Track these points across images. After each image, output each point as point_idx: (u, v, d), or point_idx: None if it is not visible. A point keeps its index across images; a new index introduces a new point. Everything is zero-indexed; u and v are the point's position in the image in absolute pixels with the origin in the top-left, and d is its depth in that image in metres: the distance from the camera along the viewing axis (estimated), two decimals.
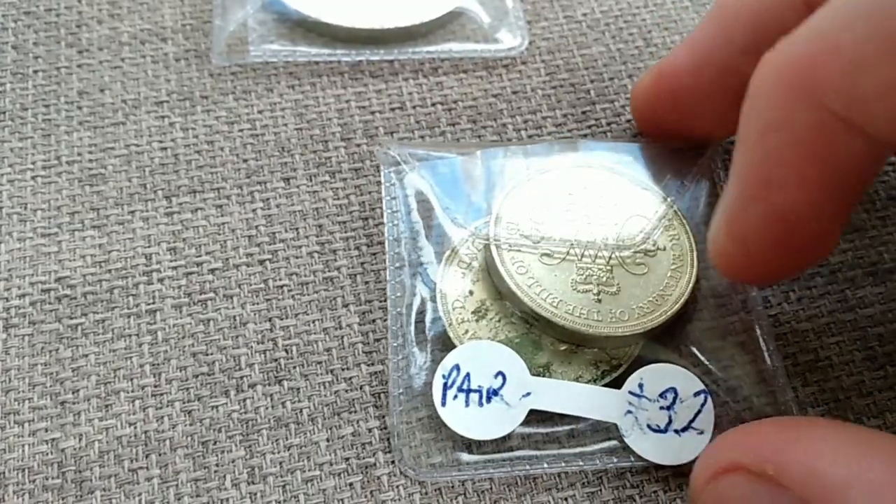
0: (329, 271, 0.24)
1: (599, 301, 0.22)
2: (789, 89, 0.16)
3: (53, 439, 0.22)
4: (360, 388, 0.22)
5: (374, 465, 0.21)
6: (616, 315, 0.22)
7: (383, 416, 0.22)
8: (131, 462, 0.21)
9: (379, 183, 0.26)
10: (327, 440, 0.22)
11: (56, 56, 0.28)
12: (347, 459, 0.21)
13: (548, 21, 0.30)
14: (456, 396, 0.21)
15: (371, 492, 0.21)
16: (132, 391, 0.22)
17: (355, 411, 0.22)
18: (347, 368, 0.23)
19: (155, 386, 0.22)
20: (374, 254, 0.25)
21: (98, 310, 0.23)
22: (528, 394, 0.21)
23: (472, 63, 0.29)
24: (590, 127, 0.28)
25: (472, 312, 0.23)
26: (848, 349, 0.24)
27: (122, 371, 0.22)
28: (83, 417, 0.22)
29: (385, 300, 0.24)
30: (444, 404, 0.21)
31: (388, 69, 0.29)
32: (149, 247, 0.24)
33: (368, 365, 0.23)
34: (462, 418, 0.21)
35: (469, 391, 0.21)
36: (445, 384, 0.21)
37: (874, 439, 0.17)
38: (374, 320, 0.23)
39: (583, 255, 0.23)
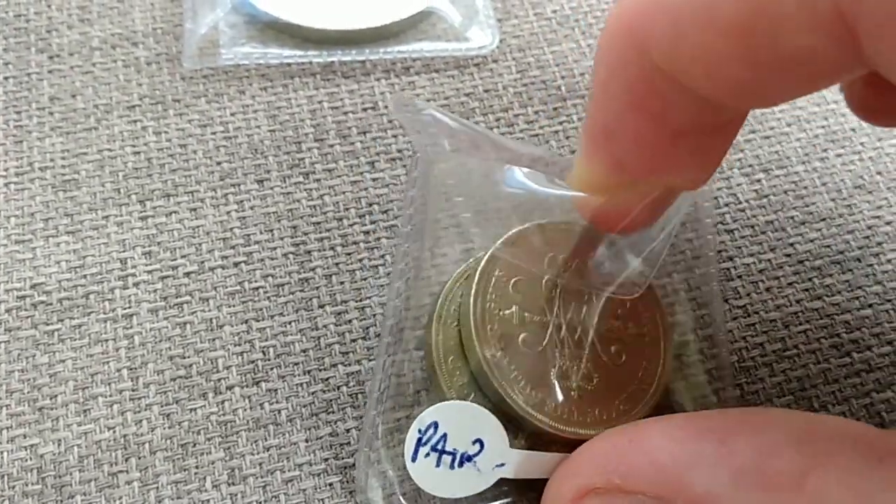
0: (304, 272, 0.24)
1: (580, 399, 0.21)
2: (624, 40, 0.16)
3: (32, 445, 0.22)
4: (338, 389, 0.23)
5: (354, 465, 0.22)
6: (595, 415, 0.20)
7: (360, 417, 0.22)
8: (111, 466, 0.21)
9: (353, 183, 0.26)
10: (306, 441, 0.22)
11: (26, 62, 0.28)
12: (326, 460, 0.22)
13: (518, 19, 0.31)
14: (428, 455, 0.20)
15: (351, 492, 0.21)
16: (110, 395, 0.22)
17: (333, 412, 0.22)
18: (324, 369, 0.23)
19: (133, 390, 0.22)
20: (349, 254, 0.25)
21: (74, 315, 0.23)
22: (503, 464, 0.20)
23: (444, 62, 0.29)
24: (561, 123, 0.28)
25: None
26: (815, 337, 0.24)
27: (99, 376, 0.23)
28: (62, 423, 0.22)
29: (361, 300, 0.24)
30: (414, 460, 0.20)
31: (360, 69, 0.29)
32: (124, 251, 0.25)
33: (345, 365, 0.23)
34: (430, 476, 0.20)
35: (443, 452, 0.20)
36: (420, 440, 0.20)
37: (703, 419, 0.17)
38: (350, 321, 0.24)
39: (562, 341, 0.21)
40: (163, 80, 0.28)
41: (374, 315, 0.24)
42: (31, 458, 0.21)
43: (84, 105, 0.27)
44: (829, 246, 0.26)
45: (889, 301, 0.25)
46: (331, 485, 0.21)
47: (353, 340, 0.23)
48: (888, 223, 0.27)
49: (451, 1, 0.30)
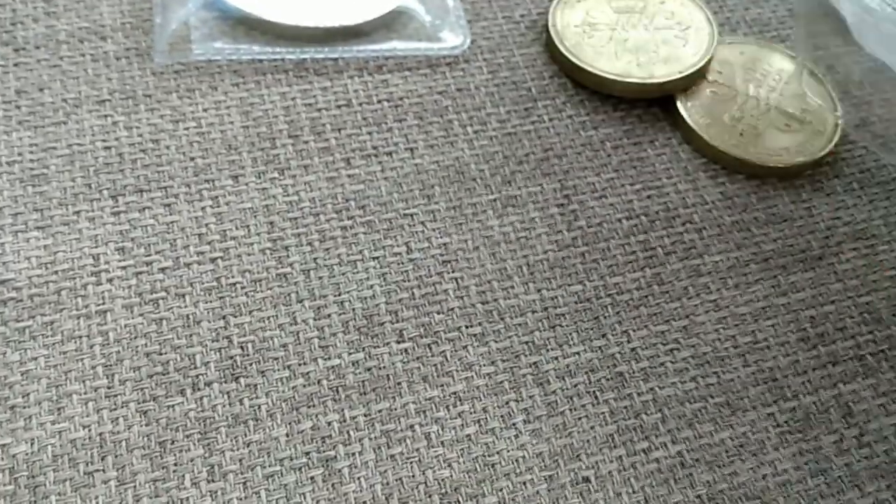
0: (282, 268, 0.24)
1: None
2: None
3: (4, 445, 0.21)
4: (318, 383, 0.23)
5: (335, 457, 0.22)
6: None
7: (342, 410, 0.22)
8: (87, 465, 0.21)
9: (329, 179, 0.26)
10: (287, 435, 0.22)
11: None
12: (308, 454, 0.22)
13: (487, 21, 0.31)
14: None
15: (333, 485, 0.21)
16: (85, 393, 0.22)
17: (314, 405, 0.22)
18: (304, 363, 0.23)
19: (108, 387, 0.22)
20: (327, 249, 0.25)
21: (46, 312, 0.23)
22: None
23: (417, 61, 0.29)
24: (532, 123, 0.28)
25: None
26: (783, 331, 0.25)
27: (73, 373, 0.22)
28: (34, 421, 0.21)
29: (339, 294, 0.24)
30: None
31: (333, 67, 0.29)
32: (96, 247, 0.24)
33: (325, 360, 0.23)
34: None
35: None
36: None
37: None
38: (329, 315, 0.24)
39: None
40: (133, 75, 0.28)
41: (354, 309, 0.24)
42: (2, 458, 0.21)
43: (52, 99, 0.27)
44: (791, 245, 0.27)
45: (850, 298, 0.26)
46: (312, 478, 0.21)
47: (333, 334, 0.23)
48: (846, 223, 0.28)
49: (421, 1, 0.30)
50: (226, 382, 0.22)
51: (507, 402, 0.23)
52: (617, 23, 0.31)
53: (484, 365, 0.23)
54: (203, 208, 0.25)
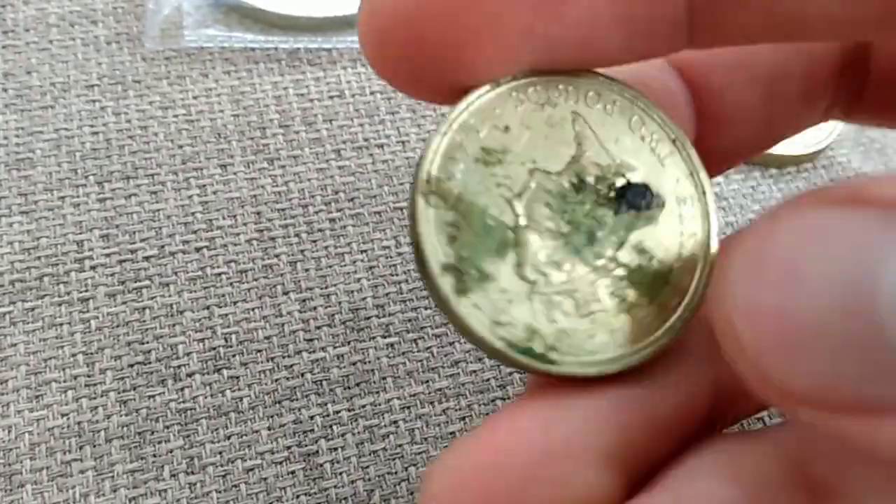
0: (268, 259, 0.24)
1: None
2: None
3: None
4: (302, 376, 0.22)
5: (317, 452, 0.21)
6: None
7: (325, 404, 0.22)
8: (64, 454, 0.21)
9: (319, 170, 0.26)
10: (269, 429, 0.21)
11: None
12: (289, 448, 0.21)
13: None
14: None
15: (314, 479, 0.21)
16: (64, 381, 0.22)
17: (297, 399, 0.22)
18: (288, 356, 0.23)
19: (88, 376, 0.22)
20: (315, 241, 0.24)
21: (27, 298, 0.23)
22: None
23: None
24: None
25: None
26: None
27: (53, 361, 0.22)
28: (12, 409, 0.21)
29: (326, 287, 0.24)
30: None
31: (327, 57, 0.28)
32: (80, 233, 0.24)
33: (309, 353, 0.23)
34: None
35: None
36: None
37: None
38: (314, 308, 0.23)
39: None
40: (123, 60, 0.27)
41: (340, 303, 0.23)
42: None
43: (40, 83, 0.26)
44: None
45: None
46: (293, 473, 0.21)
47: (318, 328, 0.23)
48: None
49: None
50: (208, 374, 0.22)
51: (492, 400, 0.23)
52: None
53: (470, 362, 0.23)
54: (190, 197, 0.25)
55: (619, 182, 0.14)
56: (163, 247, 0.24)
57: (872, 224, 0.09)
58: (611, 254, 0.13)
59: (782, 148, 0.28)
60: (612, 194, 0.14)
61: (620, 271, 0.13)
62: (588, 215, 0.13)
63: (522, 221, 0.13)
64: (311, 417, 0.22)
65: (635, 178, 0.14)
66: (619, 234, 0.14)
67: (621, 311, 0.13)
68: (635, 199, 0.14)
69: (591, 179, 0.14)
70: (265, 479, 0.21)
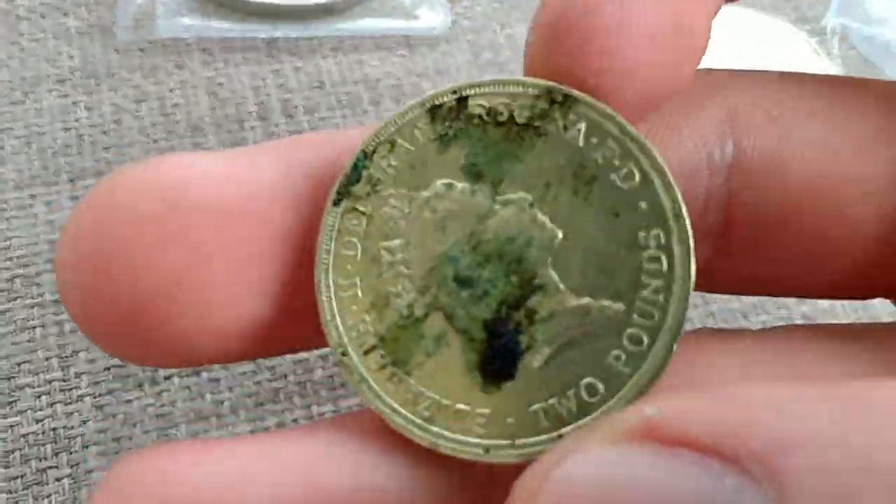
0: None
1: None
2: None
3: None
4: (284, 378, 0.22)
5: None
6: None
7: (309, 406, 0.21)
8: (39, 461, 0.20)
9: None
10: (251, 432, 0.21)
11: None
12: None
13: (470, 1, 0.30)
14: None
15: None
16: (38, 386, 0.21)
17: (279, 401, 0.21)
18: (270, 357, 0.22)
19: (63, 380, 0.21)
20: None
21: None
22: None
23: (394, 41, 0.28)
24: None
25: None
26: (772, 325, 0.24)
27: (26, 365, 0.21)
28: None
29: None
30: None
31: (306, 46, 0.28)
32: (52, 233, 0.23)
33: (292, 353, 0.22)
34: None
35: None
36: None
37: None
38: None
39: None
40: (95, 52, 0.26)
41: None
42: None
43: (10, 77, 0.26)
44: None
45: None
46: None
47: None
48: None
49: None
50: (186, 376, 0.21)
51: None
52: None
53: None
54: None
55: None
56: None
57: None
58: None
59: None
60: None
61: None
62: None
63: None
64: (295, 420, 0.21)
65: None
66: None
67: None
68: None
69: None
70: None
